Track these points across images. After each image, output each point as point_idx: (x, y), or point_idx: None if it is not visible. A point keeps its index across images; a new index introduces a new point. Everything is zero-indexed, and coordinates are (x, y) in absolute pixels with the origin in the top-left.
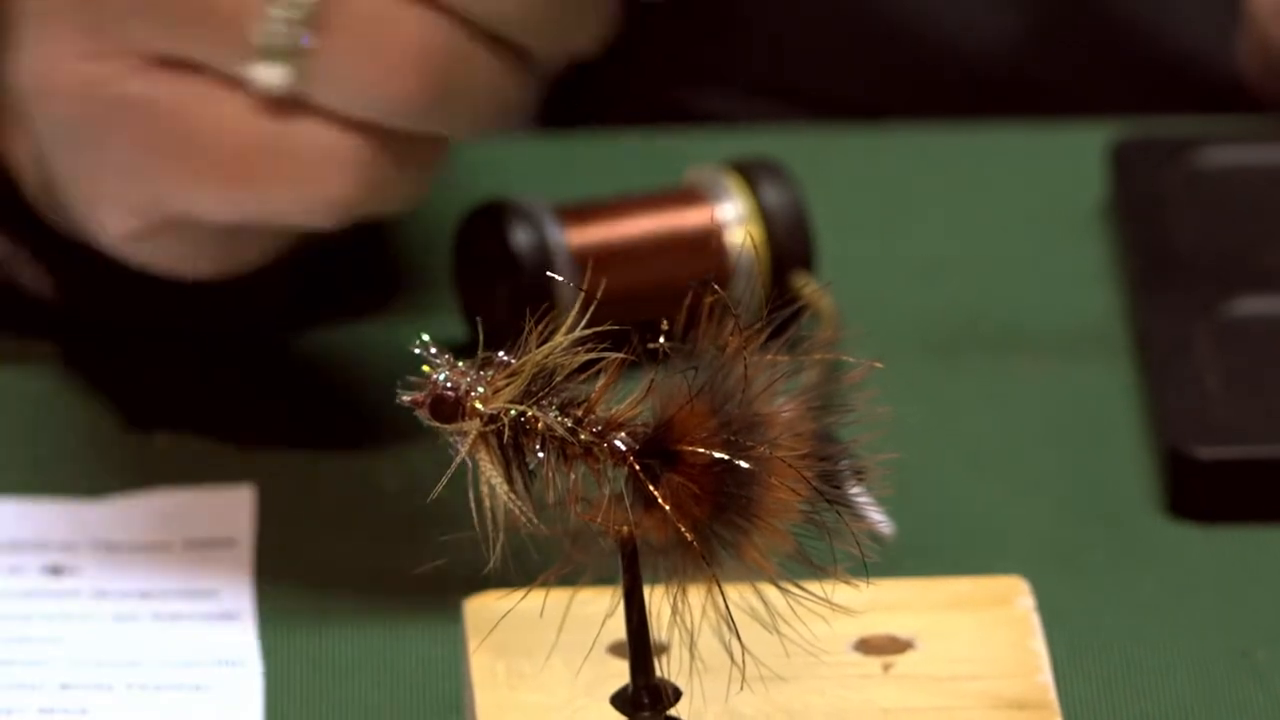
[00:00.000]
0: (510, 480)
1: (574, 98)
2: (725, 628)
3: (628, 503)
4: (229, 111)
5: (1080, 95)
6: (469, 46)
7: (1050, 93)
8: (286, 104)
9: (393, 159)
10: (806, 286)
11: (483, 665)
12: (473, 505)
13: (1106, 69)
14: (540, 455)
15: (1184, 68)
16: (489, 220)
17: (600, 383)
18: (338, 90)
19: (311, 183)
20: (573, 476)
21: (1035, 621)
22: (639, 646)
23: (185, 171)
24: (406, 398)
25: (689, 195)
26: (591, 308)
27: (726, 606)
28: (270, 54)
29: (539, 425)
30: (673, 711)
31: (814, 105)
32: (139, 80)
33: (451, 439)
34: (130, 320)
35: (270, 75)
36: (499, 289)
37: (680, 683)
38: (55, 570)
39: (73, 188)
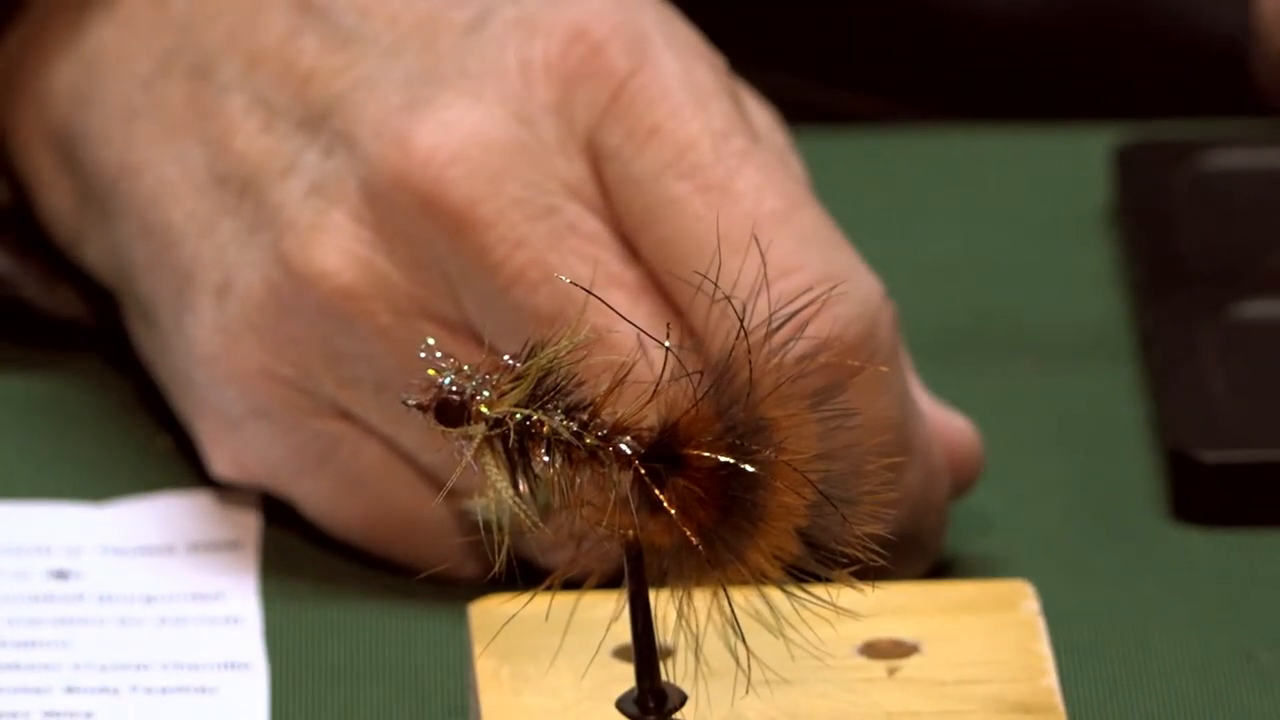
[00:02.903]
0: (515, 484)
1: None
2: (730, 631)
3: (633, 506)
4: (402, 482)
5: (1096, 87)
6: None
7: (1065, 85)
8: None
9: None
10: (812, 289)
11: (488, 669)
12: (478, 509)
13: (1123, 59)
14: (546, 459)
15: (1203, 55)
16: None
17: (606, 387)
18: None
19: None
20: (578, 481)
21: (1040, 625)
22: (644, 650)
23: (331, 516)
24: (411, 401)
25: None
26: None
27: (732, 610)
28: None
29: (544, 429)
30: (678, 715)
31: (819, 106)
32: (316, 418)
33: (457, 443)
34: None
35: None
36: None
37: (685, 686)
38: (60, 574)
39: (188, 414)
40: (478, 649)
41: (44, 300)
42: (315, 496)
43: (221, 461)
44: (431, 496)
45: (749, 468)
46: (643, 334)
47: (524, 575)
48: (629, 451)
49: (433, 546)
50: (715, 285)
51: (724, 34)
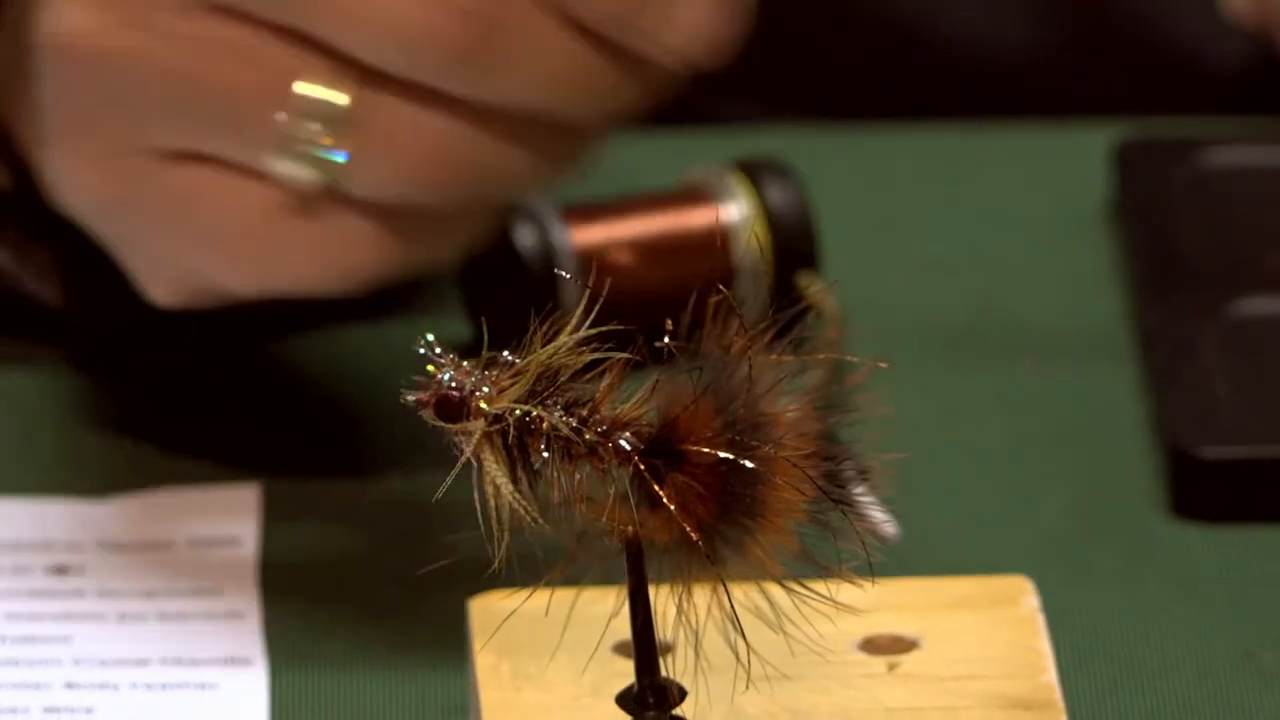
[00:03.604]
0: (515, 480)
1: None
2: (730, 627)
3: (633, 502)
4: (251, 200)
5: (1085, 94)
6: (492, 141)
7: (1055, 92)
8: (307, 194)
9: (413, 234)
10: (811, 286)
11: (487, 665)
12: (478, 505)
13: (1111, 67)
14: (545, 455)
15: (1189, 64)
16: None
17: (605, 383)
18: (360, 185)
19: (333, 263)
20: (577, 476)
21: (1040, 621)
22: (644, 646)
23: (212, 256)
24: (411, 397)
25: (694, 195)
26: (596, 308)
27: (731, 606)
28: (294, 155)
29: (544, 425)
30: (678, 711)
31: (819, 106)
32: (161, 173)
33: (456, 439)
34: (136, 328)
35: (293, 171)
36: (503, 289)
37: (685, 682)
38: (60, 570)
39: (118, 254)
40: (478, 644)
41: (43, 293)
42: (219, 260)
43: (157, 289)
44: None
45: (748, 463)
46: (643, 329)
47: (524, 570)
48: (628, 447)
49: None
50: (718, 286)
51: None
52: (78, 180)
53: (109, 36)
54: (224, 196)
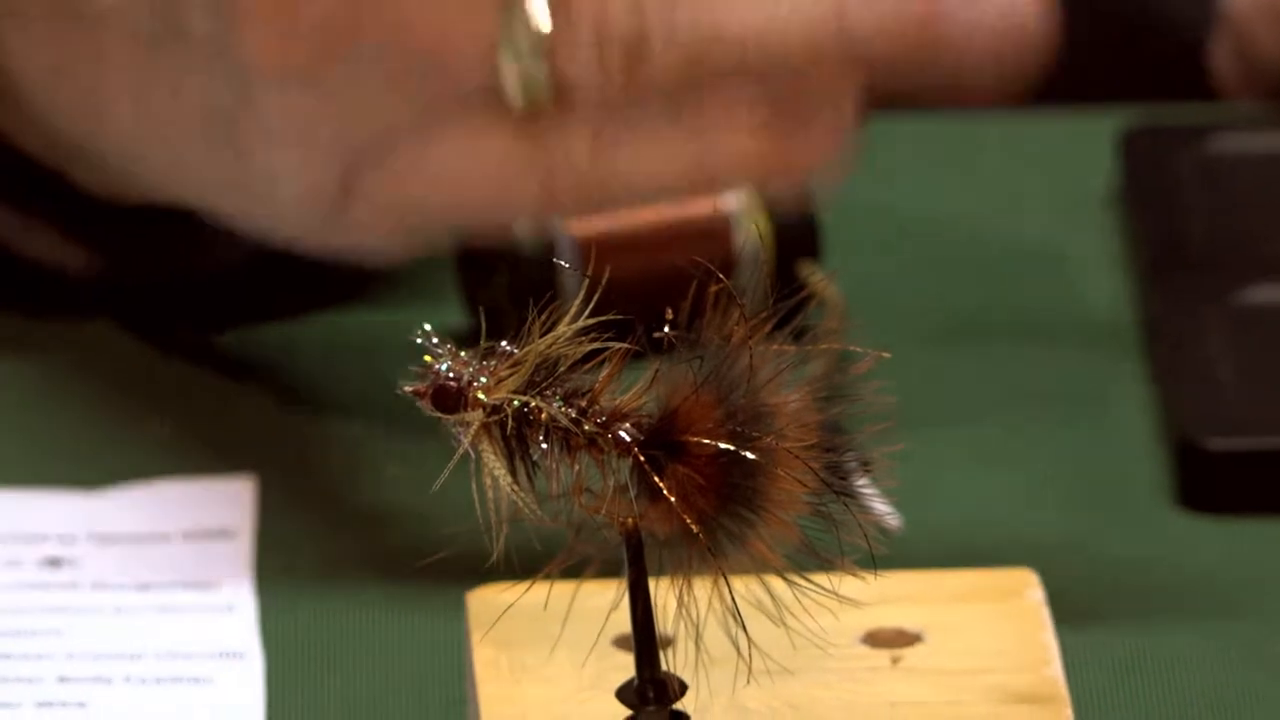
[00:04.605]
0: (513, 472)
1: None
2: (731, 620)
3: (632, 494)
4: (484, 142)
5: (1087, 87)
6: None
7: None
8: (530, 118)
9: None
10: (813, 275)
11: (486, 658)
12: (475, 497)
13: (1113, 60)
14: (544, 446)
15: (1188, 57)
16: None
17: (604, 373)
18: (566, 58)
19: (560, 187)
20: (576, 468)
21: (1045, 614)
22: (644, 639)
23: (453, 211)
24: (408, 388)
25: None
26: (595, 297)
27: (733, 599)
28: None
29: (542, 416)
30: (678, 705)
31: None
32: (388, 155)
33: (454, 430)
34: (168, 290)
35: (516, 84)
36: (501, 278)
37: (686, 676)
38: (53, 562)
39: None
40: (476, 638)
41: (52, 256)
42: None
43: (382, 249)
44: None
45: (749, 455)
46: (643, 319)
47: (522, 563)
48: (628, 438)
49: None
50: (719, 275)
51: None
52: (308, 178)
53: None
54: (458, 145)
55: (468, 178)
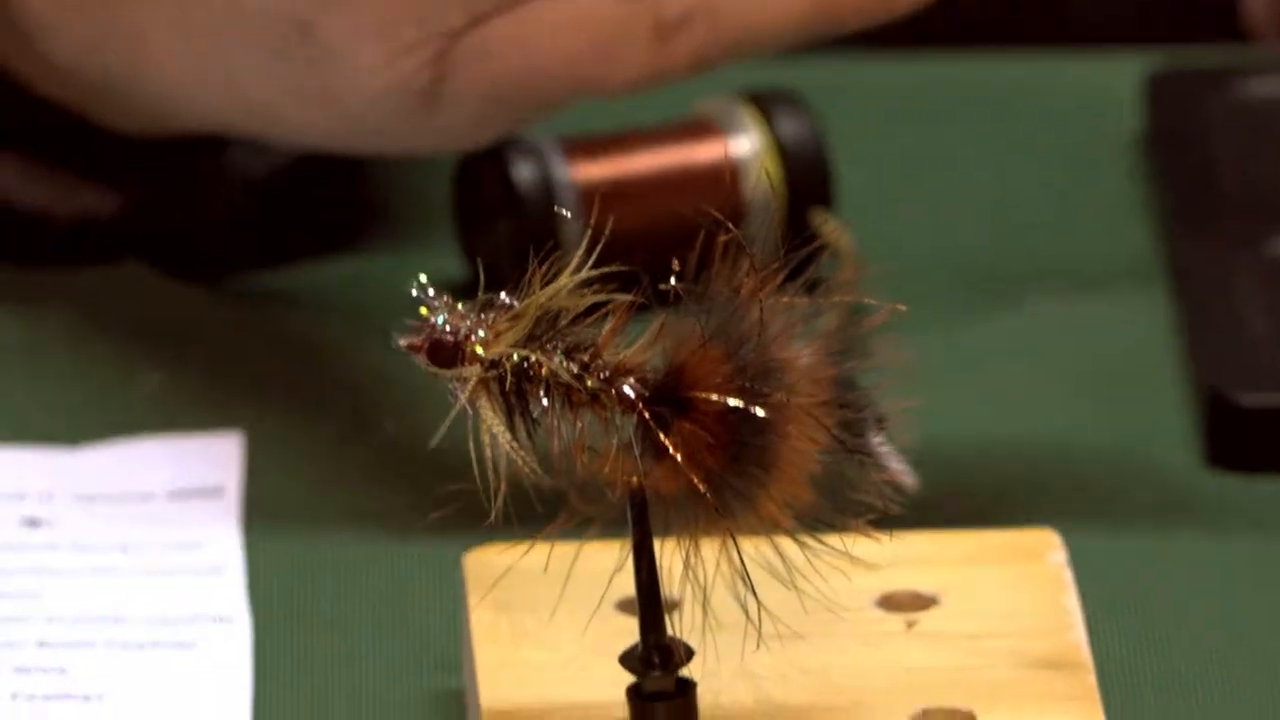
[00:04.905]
0: (513, 429)
1: None
2: (740, 583)
3: (637, 452)
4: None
5: (1116, 28)
6: None
7: (1085, 25)
8: None
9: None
10: (825, 224)
11: (483, 622)
12: (473, 455)
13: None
14: (545, 402)
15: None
16: (490, 154)
17: (608, 326)
18: None
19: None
20: (579, 425)
21: (1067, 576)
22: (649, 603)
23: (558, 83)
24: (403, 342)
25: (701, 128)
26: (598, 247)
27: (741, 561)
28: None
29: (543, 371)
30: (684, 671)
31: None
32: (472, 40)
33: (451, 385)
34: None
35: None
36: (501, 227)
37: (692, 641)
38: (32, 522)
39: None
40: (473, 601)
41: (63, 206)
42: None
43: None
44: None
45: (759, 411)
46: (648, 270)
47: (522, 523)
48: (633, 394)
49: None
50: (727, 224)
51: None
52: (390, 79)
53: None
54: (561, 12)
55: (573, 44)
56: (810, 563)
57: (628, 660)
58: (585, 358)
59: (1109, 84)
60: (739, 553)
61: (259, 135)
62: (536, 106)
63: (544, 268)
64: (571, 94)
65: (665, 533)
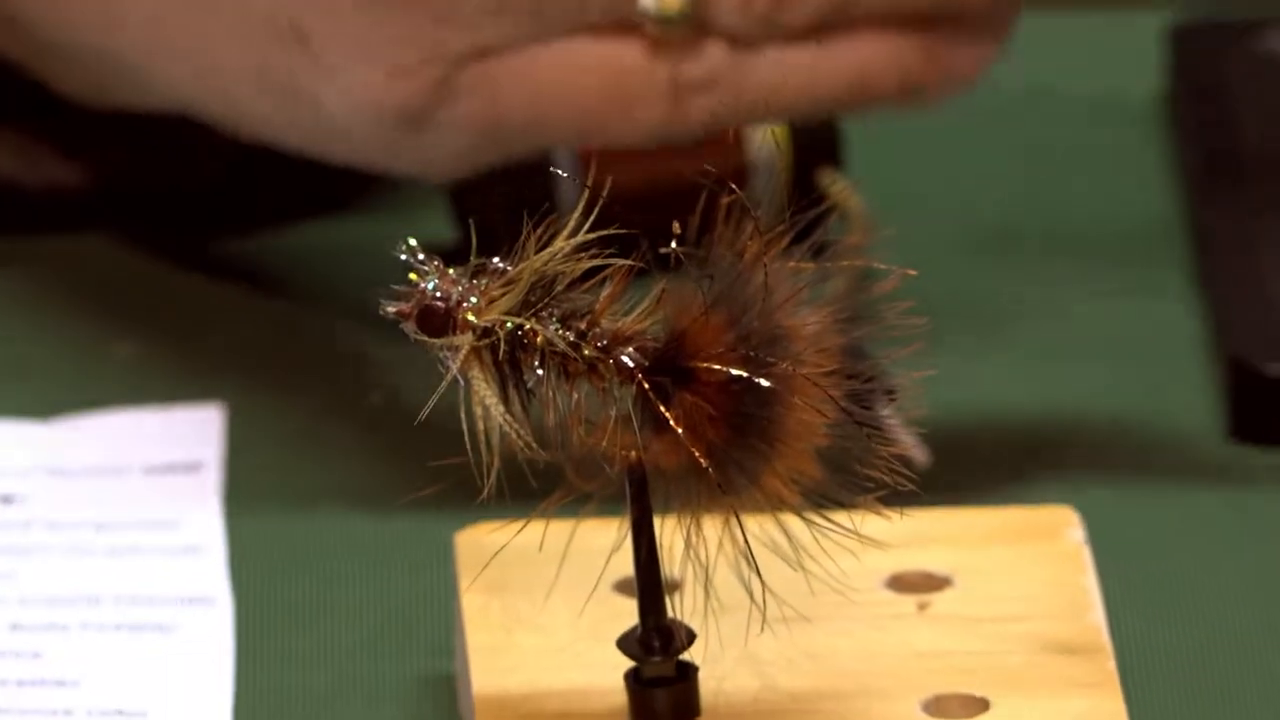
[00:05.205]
0: (506, 400)
1: None
2: (744, 563)
3: (636, 425)
4: (601, 55)
5: None
6: None
7: None
8: (671, 36)
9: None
10: (834, 184)
11: (475, 604)
12: (465, 428)
13: None
14: (539, 372)
15: None
16: None
17: (606, 292)
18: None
19: (690, 111)
20: (575, 396)
21: (1085, 555)
22: (648, 584)
23: (565, 128)
24: (391, 308)
25: None
26: (596, 209)
27: (745, 540)
28: None
29: (538, 339)
30: (686, 655)
31: None
32: (476, 72)
33: (441, 354)
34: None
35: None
36: (493, 188)
37: (694, 624)
38: (4, 499)
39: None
40: (464, 582)
41: (31, 175)
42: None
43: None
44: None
45: (764, 382)
46: (648, 233)
47: (515, 500)
48: (631, 364)
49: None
50: (731, 185)
51: None
52: (379, 97)
53: None
54: (565, 62)
55: (584, 91)
56: (817, 542)
57: (626, 644)
58: (582, 325)
59: (1129, 38)
60: (742, 531)
61: (227, 125)
62: (532, 146)
63: (539, 231)
64: (574, 139)
65: (665, 510)
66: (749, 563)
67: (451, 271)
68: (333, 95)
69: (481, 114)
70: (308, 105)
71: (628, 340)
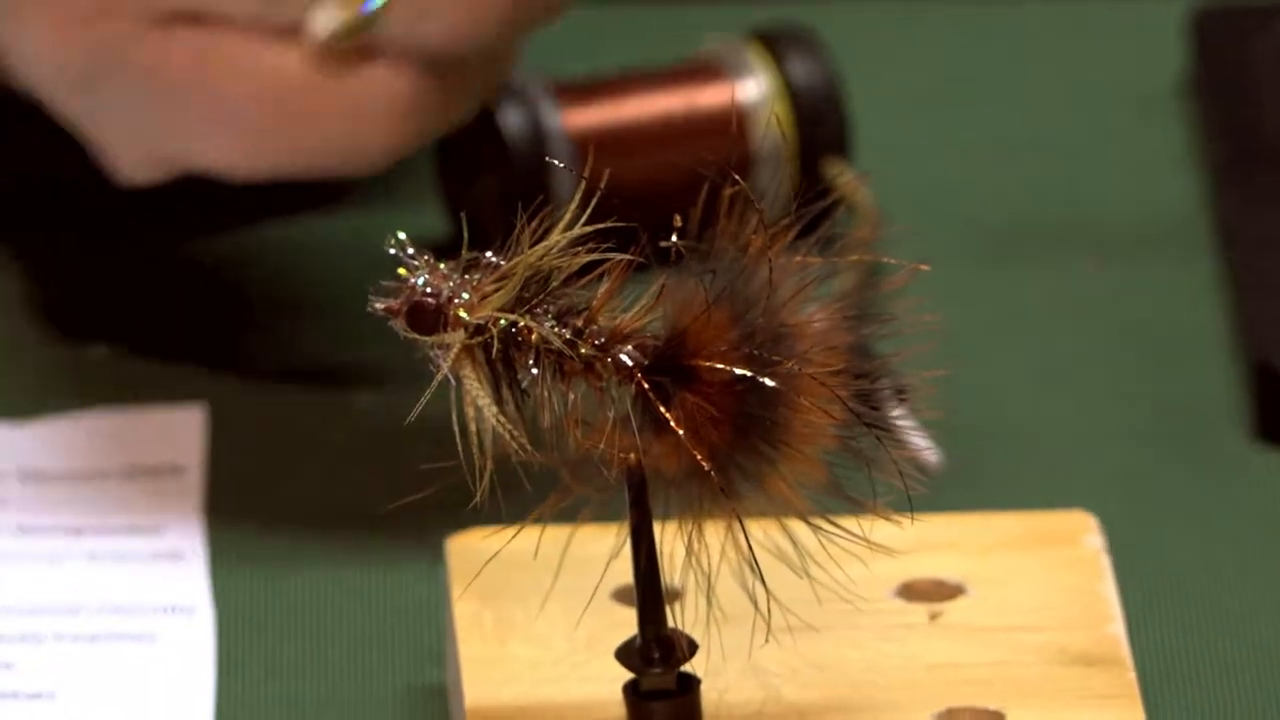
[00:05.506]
0: (500, 400)
1: None
2: (748, 571)
3: (635, 426)
4: (268, 66)
5: None
6: None
7: None
8: (338, 51)
9: (445, 91)
10: (841, 176)
11: (467, 613)
12: (457, 430)
13: None
14: (534, 371)
15: None
16: None
17: (603, 288)
18: (401, 23)
19: (362, 133)
20: (571, 396)
21: (1104, 562)
22: (648, 592)
23: (216, 133)
24: (380, 305)
25: (705, 70)
26: (593, 201)
27: (749, 546)
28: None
29: (533, 337)
30: (687, 666)
31: None
32: (153, 40)
33: (432, 352)
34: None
35: (327, 21)
36: (486, 180)
37: (696, 634)
38: None
39: (82, 128)
40: (456, 590)
41: None
42: (225, 138)
43: (126, 167)
44: (321, 70)
45: (768, 381)
46: (647, 227)
47: (510, 505)
48: (630, 362)
49: (337, 125)
50: (734, 175)
51: None
52: (52, 49)
53: None
54: (234, 63)
55: (239, 94)
56: (824, 548)
57: (625, 655)
58: (579, 322)
59: (1150, 23)
60: (746, 537)
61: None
62: (201, 157)
63: (534, 224)
64: (237, 155)
65: (666, 515)
66: (753, 570)
67: (442, 266)
68: (25, 44)
69: (146, 87)
70: (19, 60)
71: (626, 338)
